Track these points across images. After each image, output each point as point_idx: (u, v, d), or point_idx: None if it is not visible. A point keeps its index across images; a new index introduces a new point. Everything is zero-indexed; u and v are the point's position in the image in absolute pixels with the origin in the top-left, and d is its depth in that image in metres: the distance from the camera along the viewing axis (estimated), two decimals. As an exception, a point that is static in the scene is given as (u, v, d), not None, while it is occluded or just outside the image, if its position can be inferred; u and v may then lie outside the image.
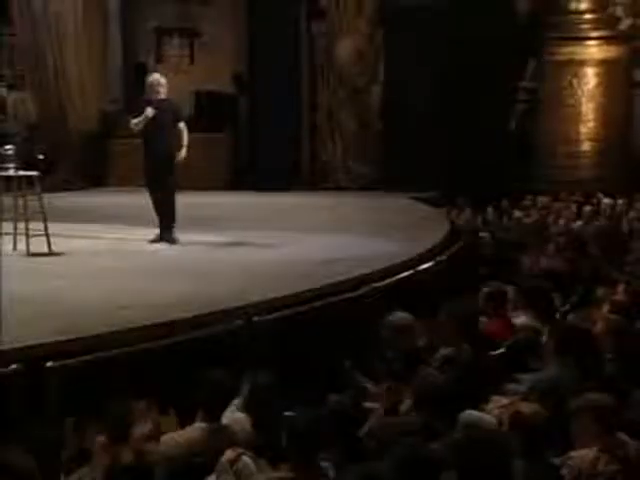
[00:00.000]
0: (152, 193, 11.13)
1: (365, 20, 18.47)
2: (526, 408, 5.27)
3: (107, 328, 6.66)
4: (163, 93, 11.05)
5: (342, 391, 6.00)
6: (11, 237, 10.15)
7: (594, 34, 20.26)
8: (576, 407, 5.21)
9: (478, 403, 5.78)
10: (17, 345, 6.07)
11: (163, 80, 11.19)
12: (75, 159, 17.63)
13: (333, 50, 18.59)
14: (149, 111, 10.76)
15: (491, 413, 5.77)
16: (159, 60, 19.70)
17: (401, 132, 18.01)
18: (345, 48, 18.54)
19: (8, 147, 10.20)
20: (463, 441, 4.87)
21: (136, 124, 10.92)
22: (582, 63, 20.05)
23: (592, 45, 20.20)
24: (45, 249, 10.13)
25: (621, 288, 8.96)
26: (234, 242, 11.19)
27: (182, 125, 11.23)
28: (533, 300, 8.32)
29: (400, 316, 7.34)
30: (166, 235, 10.93)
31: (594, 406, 5.18)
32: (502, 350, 7.18)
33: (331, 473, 4.79)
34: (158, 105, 10.87)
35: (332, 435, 5.08)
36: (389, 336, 7.18)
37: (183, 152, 11.06)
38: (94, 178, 17.80)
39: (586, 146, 19.95)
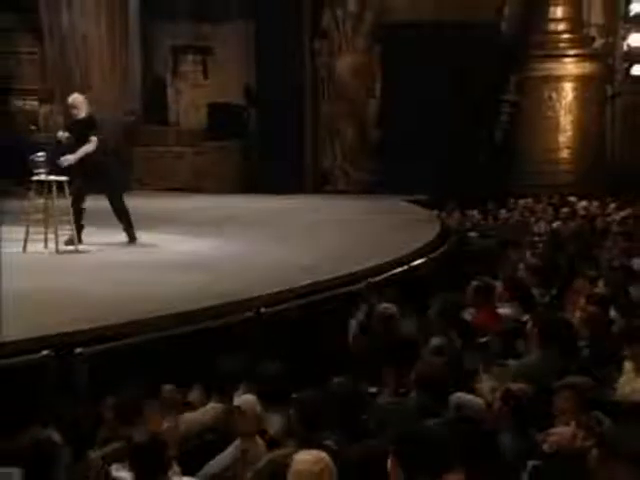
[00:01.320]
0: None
1: (363, 39, 18.55)
2: (515, 387, 5.28)
3: (129, 318, 6.66)
4: (79, 113, 10.61)
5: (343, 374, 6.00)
6: (42, 236, 10.17)
7: (571, 52, 20.33)
8: (557, 387, 5.23)
9: (467, 386, 5.82)
10: (48, 332, 6.08)
11: (79, 100, 10.72)
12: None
13: (334, 66, 18.67)
14: (59, 134, 10.56)
15: (483, 392, 5.80)
16: (175, 75, 19.73)
17: (396, 141, 17.97)
18: (345, 65, 18.63)
19: (40, 154, 10.22)
20: (454, 419, 4.91)
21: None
22: (560, 78, 20.12)
23: (569, 62, 20.26)
24: (72, 247, 10.14)
25: (600, 282, 8.97)
26: (242, 240, 11.15)
27: (92, 139, 10.55)
28: (516, 293, 8.36)
29: (385, 306, 7.38)
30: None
31: (573, 387, 5.21)
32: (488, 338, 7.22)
33: (335, 447, 4.77)
34: (70, 127, 10.64)
35: (335, 415, 5.09)
36: (376, 325, 7.22)
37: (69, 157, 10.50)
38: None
39: (564, 154, 20.01)
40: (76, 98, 10.74)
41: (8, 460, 4.17)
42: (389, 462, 4.51)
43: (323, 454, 4.24)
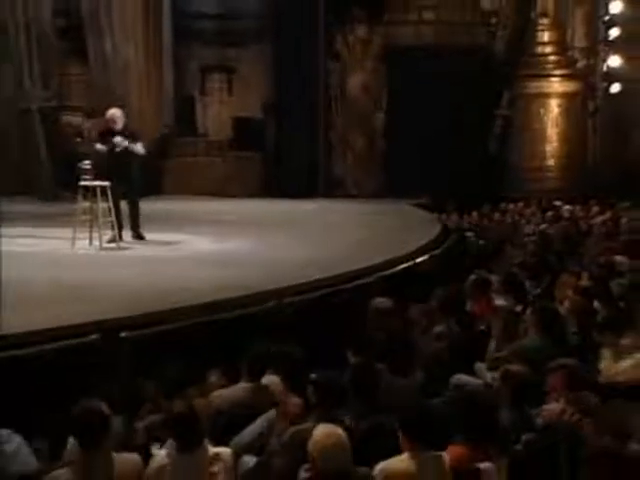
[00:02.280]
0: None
1: (371, 59, 18.53)
2: (513, 368, 5.29)
3: (167, 306, 6.70)
4: (116, 125, 10.62)
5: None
6: (87, 235, 10.22)
7: (557, 72, 20.28)
8: (549, 368, 5.24)
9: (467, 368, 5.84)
10: (95, 318, 6.13)
11: (117, 115, 10.73)
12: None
13: (345, 84, 18.67)
14: (99, 147, 10.54)
15: (483, 372, 5.82)
16: (203, 93, 19.78)
17: (401, 150, 17.93)
18: (355, 83, 18.63)
19: (86, 162, 10.27)
20: (457, 397, 4.93)
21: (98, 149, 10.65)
22: (547, 95, 20.08)
23: (555, 81, 20.22)
24: (114, 244, 10.18)
25: (584, 275, 8.97)
26: (264, 239, 11.13)
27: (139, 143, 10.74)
28: (510, 286, 8.36)
29: (380, 300, 7.38)
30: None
31: (563, 368, 5.22)
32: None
33: (349, 423, 4.80)
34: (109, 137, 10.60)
35: (350, 392, 5.12)
36: (373, 317, 7.22)
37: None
38: (152, 188, 17.82)
39: (550, 162, 19.98)
40: (114, 112, 10.73)
41: (66, 427, 4.24)
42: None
43: (338, 428, 4.27)
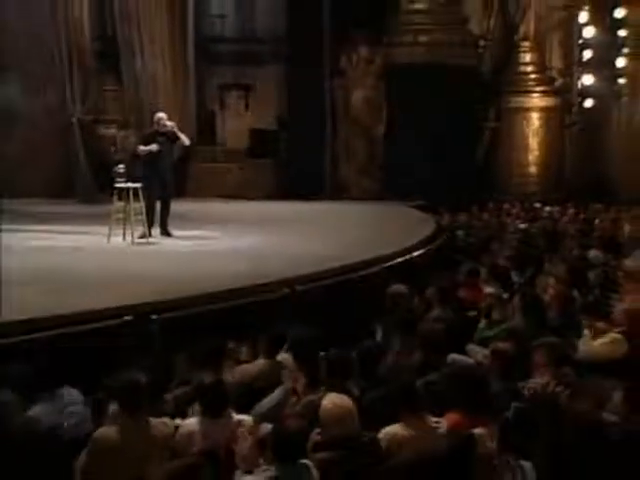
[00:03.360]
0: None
1: (372, 76, 18.51)
2: (502, 345, 5.27)
3: (192, 292, 6.69)
4: (165, 127, 10.65)
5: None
6: (121, 231, 10.22)
7: (537, 89, 20.32)
8: (534, 346, 5.23)
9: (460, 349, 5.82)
10: (128, 303, 6.14)
11: (165, 117, 10.76)
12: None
13: (349, 98, 18.65)
14: (154, 147, 10.42)
15: (474, 352, 5.79)
16: (222, 107, 19.80)
17: (399, 158, 17.84)
18: (357, 97, 18.61)
19: (120, 166, 10.27)
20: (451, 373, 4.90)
21: (142, 151, 10.54)
22: (529, 109, 20.12)
23: (536, 97, 20.26)
24: (145, 239, 10.18)
25: (564, 267, 8.95)
26: (278, 235, 11.10)
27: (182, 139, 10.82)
28: (498, 276, 8.34)
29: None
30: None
31: (547, 346, 5.20)
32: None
33: (356, 393, 4.78)
34: (156, 137, 10.55)
35: (357, 367, 5.10)
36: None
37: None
38: (177, 191, 17.79)
39: (532, 169, 20.02)
40: (162, 116, 10.74)
41: (110, 394, 4.24)
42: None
43: (346, 397, 4.26)
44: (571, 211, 16.20)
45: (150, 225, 10.36)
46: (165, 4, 18.15)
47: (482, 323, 6.79)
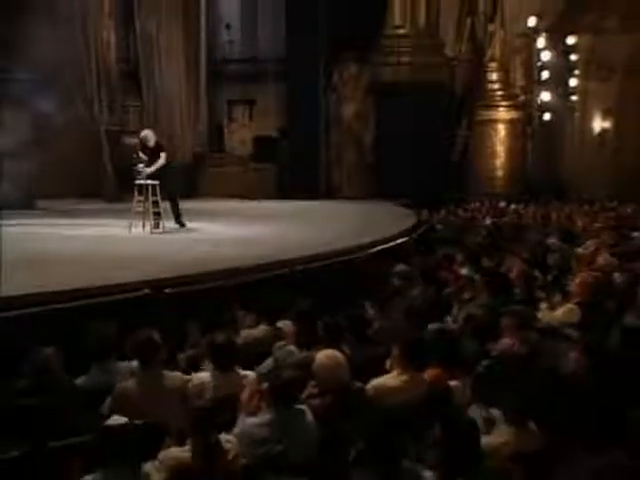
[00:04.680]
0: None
1: (361, 92, 18.48)
2: (474, 311, 5.23)
3: (201, 270, 6.63)
4: (149, 142, 10.24)
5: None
6: (140, 222, 10.15)
7: (503, 104, 20.38)
8: (502, 312, 5.18)
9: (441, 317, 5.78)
10: (146, 278, 6.10)
11: (150, 135, 10.35)
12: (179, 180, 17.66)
13: (341, 111, 18.60)
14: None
15: (450, 324, 5.73)
16: (230, 119, 19.75)
17: (385, 163, 17.87)
18: (349, 110, 18.58)
19: (140, 166, 10.17)
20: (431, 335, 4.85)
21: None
22: (496, 121, 20.17)
23: (502, 110, 20.34)
24: (160, 229, 10.11)
25: (526, 253, 8.94)
26: (278, 227, 11.05)
27: (162, 155, 10.29)
28: (471, 260, 8.30)
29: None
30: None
31: (513, 312, 5.15)
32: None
33: (348, 351, 4.72)
34: (145, 151, 10.22)
35: (348, 330, 5.04)
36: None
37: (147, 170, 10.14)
38: (191, 191, 17.81)
39: (499, 173, 20.06)
40: (147, 133, 10.45)
41: (128, 350, 4.17)
42: (387, 362, 4.47)
43: (338, 352, 4.20)
44: (532, 208, 16.24)
45: (160, 217, 10.18)
46: (181, 31, 18.10)
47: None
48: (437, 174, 17.41)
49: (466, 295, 6.79)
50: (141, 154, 10.25)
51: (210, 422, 3.20)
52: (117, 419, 3.05)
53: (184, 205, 10.94)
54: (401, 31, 18.65)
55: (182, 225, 10.54)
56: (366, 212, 14.09)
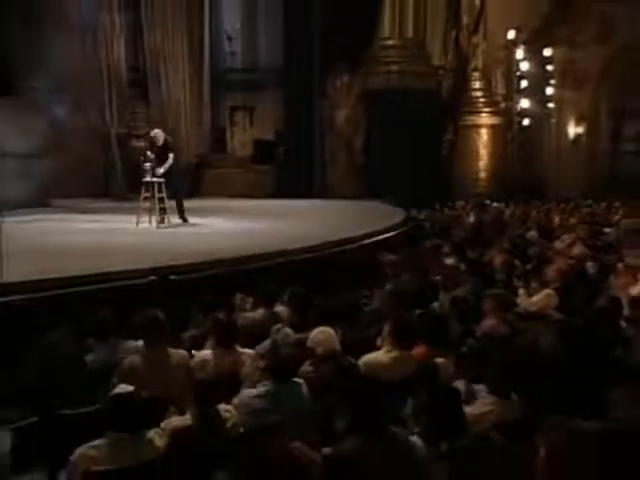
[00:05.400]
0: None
1: (352, 98, 18.37)
2: (459, 293, 5.20)
3: (202, 259, 6.60)
4: (158, 141, 10.15)
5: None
6: (147, 217, 10.08)
7: (485, 110, 20.37)
8: (485, 295, 5.15)
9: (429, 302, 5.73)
10: (152, 265, 6.06)
11: (159, 134, 10.24)
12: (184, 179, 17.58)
13: (334, 116, 18.51)
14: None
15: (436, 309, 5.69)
16: (231, 124, 19.67)
17: (375, 164, 17.83)
18: (341, 115, 18.49)
19: (147, 165, 10.10)
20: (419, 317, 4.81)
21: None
22: (479, 126, 20.16)
23: (485, 116, 20.31)
24: (165, 224, 10.06)
25: (507, 245, 8.92)
26: (275, 222, 10.93)
27: (170, 156, 10.22)
28: (457, 251, 8.28)
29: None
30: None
31: (495, 295, 5.14)
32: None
33: (340, 333, 4.66)
34: (154, 149, 10.07)
35: (340, 313, 4.98)
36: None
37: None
38: (195, 190, 17.69)
39: (482, 174, 20.03)
40: (157, 132, 10.38)
41: (134, 328, 4.13)
42: (379, 340, 4.43)
43: (330, 329, 4.15)
44: (513, 206, 16.24)
45: (165, 212, 10.12)
46: (186, 42, 18.02)
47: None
48: (424, 175, 17.35)
49: (452, 282, 6.77)
50: (149, 153, 10.17)
51: (210, 392, 3.15)
52: (124, 387, 3.00)
53: (189, 203, 10.91)
54: (390, 42, 18.60)
55: (185, 220, 10.48)
56: (356, 209, 14.02)
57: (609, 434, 2.43)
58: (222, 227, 10.13)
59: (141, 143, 17.62)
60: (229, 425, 3.15)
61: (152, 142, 10.32)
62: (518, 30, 20.62)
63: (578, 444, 2.34)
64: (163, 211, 10.03)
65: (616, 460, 2.34)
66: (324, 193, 18.15)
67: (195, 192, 17.55)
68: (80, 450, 2.82)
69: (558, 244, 9.44)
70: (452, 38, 19.82)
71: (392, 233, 9.94)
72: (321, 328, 4.04)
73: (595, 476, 2.29)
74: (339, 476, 2.63)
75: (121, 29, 16.67)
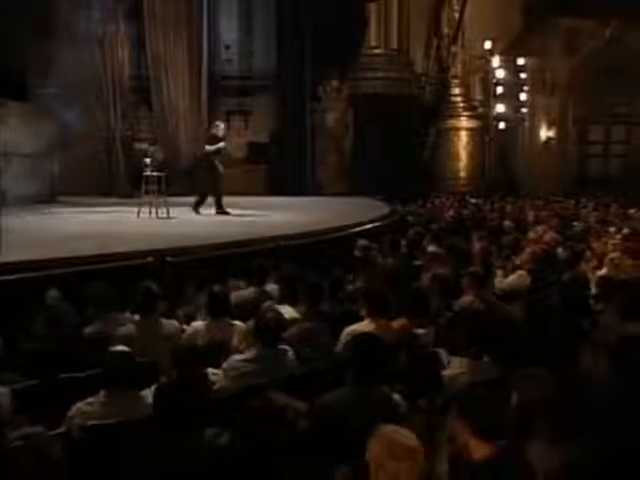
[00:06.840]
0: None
1: (342, 102, 18.29)
2: (441, 272, 5.15)
3: (197, 243, 6.57)
4: (221, 132, 10.58)
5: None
6: (148, 210, 10.00)
7: (464, 114, 20.34)
8: (464, 274, 5.12)
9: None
10: (149, 247, 6.00)
11: (221, 125, 10.75)
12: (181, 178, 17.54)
13: (324, 119, 18.42)
14: (221, 145, 10.27)
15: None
16: (228, 128, 19.44)
17: (363, 164, 17.68)
18: (331, 118, 18.40)
19: (147, 160, 10.05)
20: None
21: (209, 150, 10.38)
22: (459, 129, 20.13)
23: (464, 120, 20.30)
24: (166, 215, 9.98)
25: (486, 234, 8.88)
26: (269, 214, 10.93)
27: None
28: (438, 240, 8.23)
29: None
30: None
31: (472, 274, 5.09)
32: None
33: (327, 308, 4.61)
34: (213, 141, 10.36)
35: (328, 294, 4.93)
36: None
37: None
38: (191, 188, 17.59)
39: (462, 173, 20.03)
40: (219, 124, 10.69)
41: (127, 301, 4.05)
42: (362, 311, 4.37)
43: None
44: (489, 202, 16.23)
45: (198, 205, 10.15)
46: (186, 51, 17.93)
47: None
48: (408, 174, 17.31)
49: (432, 266, 6.71)
50: (150, 147, 10.14)
51: (195, 355, 3.09)
52: (120, 348, 2.93)
53: (188, 200, 10.84)
54: (376, 51, 18.54)
55: (226, 213, 10.35)
56: (345, 204, 13.96)
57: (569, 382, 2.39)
58: (224, 218, 10.10)
59: (144, 145, 17.59)
60: (217, 387, 3.08)
61: (214, 136, 10.31)
62: (494, 41, 20.65)
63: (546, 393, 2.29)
64: (163, 203, 9.95)
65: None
66: (315, 192, 18.08)
67: (192, 189, 17.46)
68: (77, 406, 2.76)
69: (531, 234, 9.40)
70: (433, 47, 19.82)
71: (376, 224, 9.88)
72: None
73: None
74: (323, 424, 2.57)
75: (125, 39, 16.66)
